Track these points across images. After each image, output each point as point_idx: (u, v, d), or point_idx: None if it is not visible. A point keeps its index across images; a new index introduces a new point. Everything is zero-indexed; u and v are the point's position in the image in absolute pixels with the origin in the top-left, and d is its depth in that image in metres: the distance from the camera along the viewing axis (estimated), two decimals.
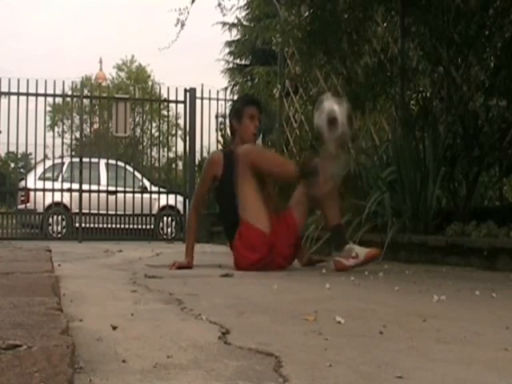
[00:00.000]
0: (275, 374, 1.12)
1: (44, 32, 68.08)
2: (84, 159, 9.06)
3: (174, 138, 10.21)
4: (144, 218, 9.27)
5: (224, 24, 19.70)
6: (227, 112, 9.34)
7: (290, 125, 7.44)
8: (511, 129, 4.51)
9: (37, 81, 8.54)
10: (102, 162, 10.11)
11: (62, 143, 11.80)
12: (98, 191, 9.02)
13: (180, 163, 10.65)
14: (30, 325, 1.23)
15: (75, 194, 8.81)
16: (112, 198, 9.04)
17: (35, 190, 8.94)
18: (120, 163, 9.59)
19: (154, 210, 9.55)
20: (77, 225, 8.92)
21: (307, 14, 6.16)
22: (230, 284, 2.80)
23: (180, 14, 6.33)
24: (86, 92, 11.45)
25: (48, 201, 9.31)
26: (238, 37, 20.25)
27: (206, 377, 1.10)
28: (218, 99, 9.14)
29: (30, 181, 9.09)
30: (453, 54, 4.79)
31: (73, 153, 10.36)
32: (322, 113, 3.37)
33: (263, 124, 3.98)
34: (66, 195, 9.05)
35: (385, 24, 5.91)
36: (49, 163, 9.96)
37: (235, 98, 11.57)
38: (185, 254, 3.68)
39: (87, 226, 8.96)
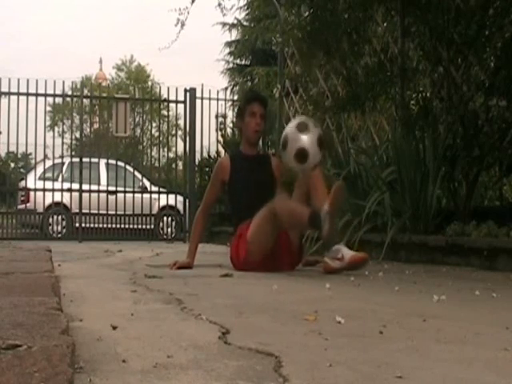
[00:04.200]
0: (275, 374, 1.12)
1: (44, 32, 68.10)
2: (84, 159, 9.05)
3: (173, 138, 10.21)
4: (144, 218, 9.27)
5: (224, 24, 19.69)
6: (227, 112, 9.37)
7: None
8: (511, 129, 4.51)
9: (37, 81, 8.54)
10: (102, 161, 10.11)
11: (62, 143, 11.82)
12: (98, 191, 9.02)
13: (180, 163, 10.65)
14: (29, 325, 1.23)
15: (75, 194, 8.81)
16: (112, 198, 9.04)
17: (35, 189, 8.94)
18: (120, 163, 9.59)
19: (154, 210, 9.55)
20: (77, 225, 8.92)
21: (307, 13, 6.17)
22: (229, 284, 2.79)
23: (180, 14, 6.34)
24: (86, 92, 11.45)
25: (48, 201, 9.31)
26: (238, 37, 20.24)
27: (205, 377, 1.10)
28: (218, 99, 9.14)
29: (30, 181, 9.09)
30: (453, 54, 4.79)
31: (73, 153, 10.35)
32: (291, 150, 3.25)
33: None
34: (66, 195, 9.05)
35: (385, 24, 5.91)
36: (49, 163, 9.95)
37: (235, 98, 11.59)
38: (187, 253, 3.70)
39: (87, 225, 8.95)
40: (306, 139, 3.24)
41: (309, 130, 3.29)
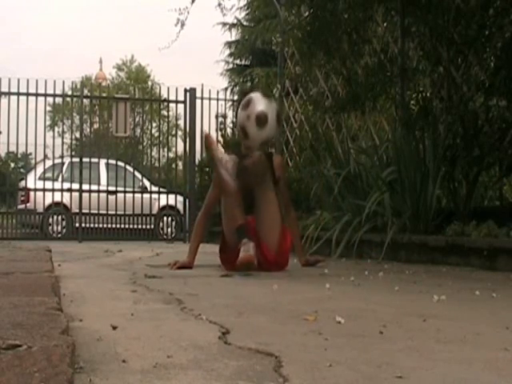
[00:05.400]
0: (275, 374, 1.12)
1: (44, 32, 68.06)
2: (84, 159, 9.06)
3: (173, 138, 10.21)
4: (144, 218, 9.27)
5: (224, 25, 19.69)
6: (227, 112, 9.37)
7: (290, 125, 7.45)
8: (511, 129, 4.51)
9: (37, 81, 8.54)
10: (102, 161, 10.11)
11: (62, 143, 11.81)
12: (98, 191, 9.02)
13: (180, 163, 10.65)
14: (30, 325, 1.23)
15: (75, 194, 8.81)
16: (112, 197, 9.04)
17: (35, 189, 8.94)
18: (120, 163, 9.59)
19: (154, 210, 9.55)
20: (77, 225, 8.93)
21: (307, 13, 6.17)
22: (229, 284, 2.80)
23: (180, 13, 6.34)
24: (86, 92, 11.44)
25: (48, 201, 9.31)
26: (238, 37, 20.23)
27: (206, 377, 1.10)
28: (218, 99, 9.14)
29: (30, 181, 9.09)
30: (453, 54, 4.79)
31: (73, 153, 10.35)
32: (252, 113, 3.46)
33: None
34: (66, 195, 9.05)
35: (385, 24, 5.91)
36: (49, 163, 9.95)
37: (235, 98, 11.59)
38: (187, 253, 3.69)
39: (87, 225, 8.95)
40: (268, 106, 3.52)
41: (271, 102, 3.60)
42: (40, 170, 9.71)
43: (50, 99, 9.37)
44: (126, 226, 9.19)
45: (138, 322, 1.67)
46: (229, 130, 9.36)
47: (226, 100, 9.35)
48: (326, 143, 5.82)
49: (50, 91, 8.75)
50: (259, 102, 3.49)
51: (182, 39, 6.82)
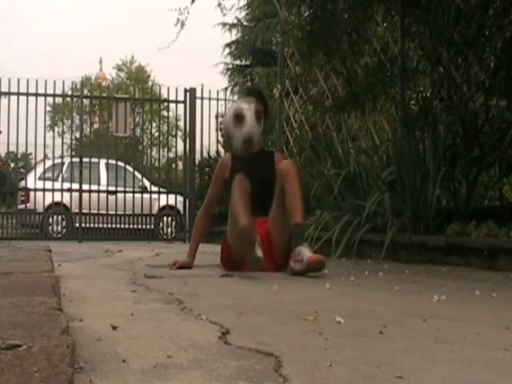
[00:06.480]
0: (275, 374, 1.12)
1: (44, 32, 68.10)
2: (84, 159, 9.06)
3: (174, 138, 10.21)
4: (144, 218, 9.27)
5: (224, 25, 19.68)
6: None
7: (289, 125, 7.45)
8: (511, 129, 4.51)
9: (37, 81, 8.55)
10: (102, 162, 10.11)
11: (62, 143, 11.79)
12: (98, 191, 9.02)
13: (180, 163, 10.65)
14: (29, 325, 1.23)
15: (75, 194, 8.81)
16: (112, 198, 9.04)
17: (35, 189, 8.95)
18: (120, 163, 9.59)
19: (154, 210, 9.55)
20: (77, 225, 8.93)
21: (307, 13, 6.17)
22: (230, 284, 2.80)
23: (180, 13, 6.32)
24: (86, 92, 11.44)
25: (48, 201, 9.32)
26: (239, 36, 20.22)
27: (206, 377, 1.10)
28: (218, 99, 9.14)
29: (30, 181, 9.10)
30: (453, 54, 4.79)
31: (73, 153, 10.36)
32: (229, 112, 3.59)
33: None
34: (66, 195, 9.06)
35: (385, 24, 5.91)
36: (49, 163, 9.96)
37: (235, 98, 11.59)
38: (187, 253, 3.69)
39: (87, 225, 8.96)
40: (245, 106, 3.62)
41: (250, 102, 3.66)
42: (40, 170, 9.72)
43: (49, 99, 9.39)
44: (126, 226, 9.20)
45: (138, 322, 1.67)
46: None
47: (226, 100, 9.35)
48: (325, 143, 5.82)
49: (50, 91, 8.76)
50: (236, 105, 3.65)
51: (183, 39, 6.81)
